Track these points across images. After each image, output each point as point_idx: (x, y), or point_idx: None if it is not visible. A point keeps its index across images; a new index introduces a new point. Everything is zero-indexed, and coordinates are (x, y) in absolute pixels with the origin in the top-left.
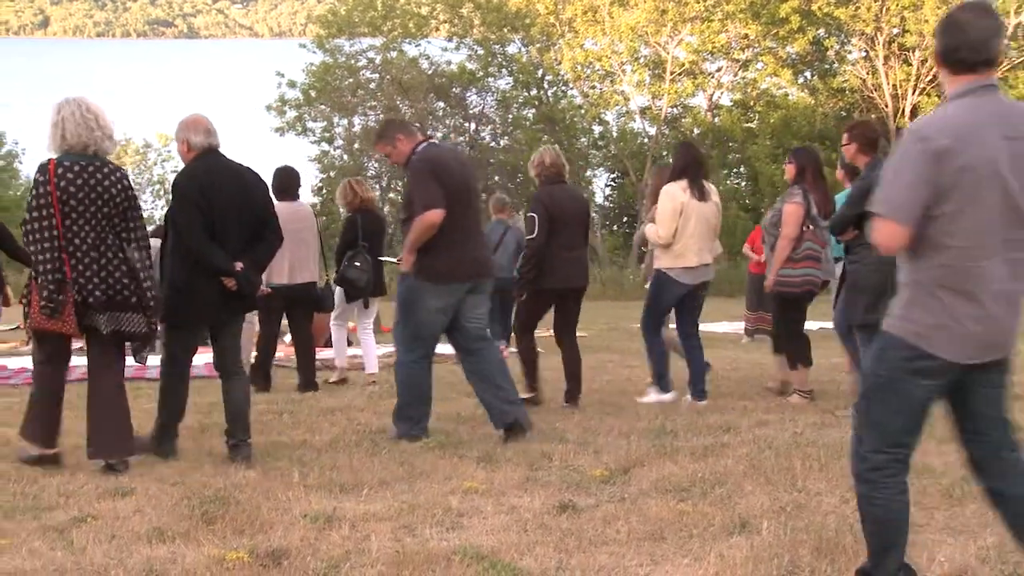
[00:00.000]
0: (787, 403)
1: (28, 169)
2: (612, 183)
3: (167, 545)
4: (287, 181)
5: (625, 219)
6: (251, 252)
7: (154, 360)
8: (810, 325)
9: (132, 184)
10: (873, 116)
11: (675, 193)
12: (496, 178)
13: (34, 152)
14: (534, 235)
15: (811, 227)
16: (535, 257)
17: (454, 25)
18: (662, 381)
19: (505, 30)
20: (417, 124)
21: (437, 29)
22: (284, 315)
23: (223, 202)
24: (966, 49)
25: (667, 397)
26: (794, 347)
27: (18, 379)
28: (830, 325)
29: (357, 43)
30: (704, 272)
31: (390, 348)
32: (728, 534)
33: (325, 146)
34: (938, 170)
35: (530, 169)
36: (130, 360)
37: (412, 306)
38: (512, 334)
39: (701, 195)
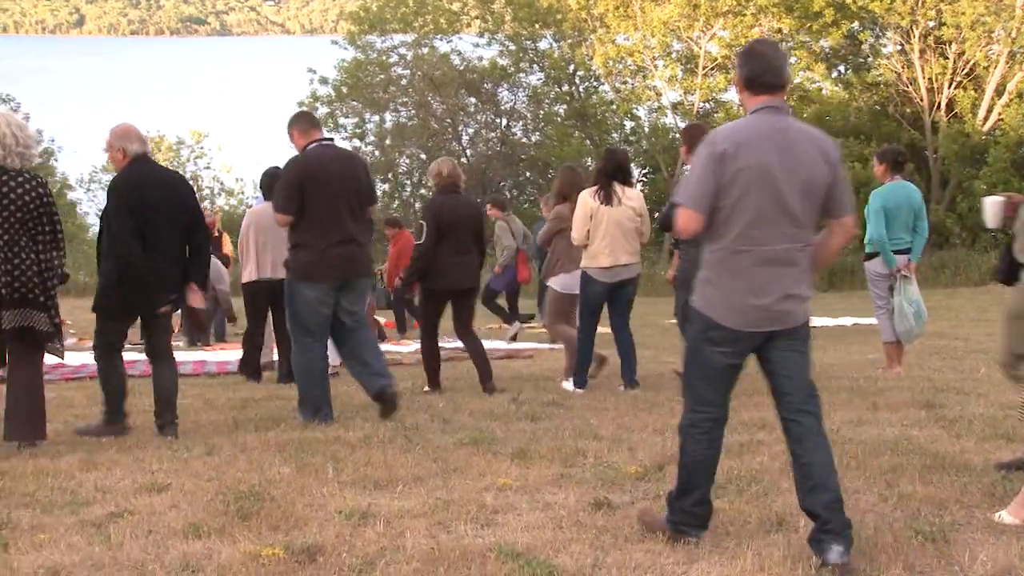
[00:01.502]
0: (823, 400)
1: (63, 167)
2: (644, 179)
3: (203, 541)
4: (271, 181)
5: (656, 214)
6: (188, 261)
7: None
8: (844, 321)
9: (49, 192)
10: (908, 110)
11: (586, 199)
12: (528, 174)
13: (72, 150)
14: (423, 240)
15: None
16: (421, 260)
17: (485, 21)
18: (578, 376)
19: (536, 25)
20: (317, 122)
21: (468, 25)
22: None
23: (155, 206)
24: (769, 75)
25: (577, 391)
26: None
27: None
28: (865, 320)
29: (388, 39)
30: (621, 272)
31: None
32: (765, 532)
33: (356, 142)
34: (721, 169)
35: (429, 178)
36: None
37: (291, 301)
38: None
39: (609, 201)
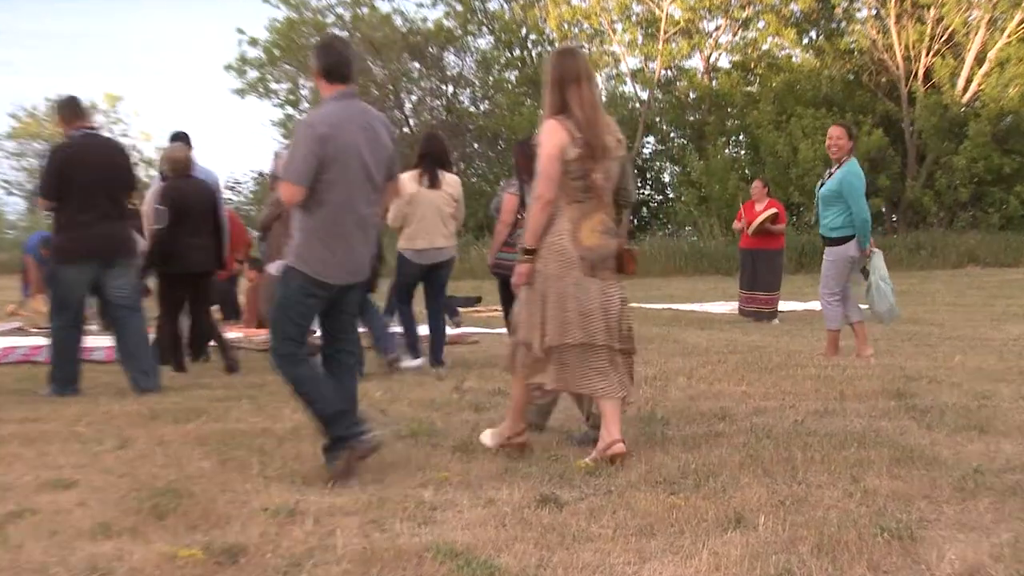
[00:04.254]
0: (788, 389)
1: None
2: None
3: (113, 541)
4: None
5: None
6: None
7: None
8: (812, 305)
9: None
10: (884, 80)
11: (406, 182)
12: (475, 146)
13: None
14: (161, 226)
15: (523, 216)
16: (158, 244)
17: None
18: (412, 349)
19: None
20: (86, 110)
21: None
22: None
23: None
24: (343, 66)
25: (416, 363)
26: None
27: None
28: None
29: None
30: (435, 255)
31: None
32: (722, 529)
33: (290, 110)
34: (322, 149)
35: (160, 164)
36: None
37: (53, 279)
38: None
39: (432, 183)
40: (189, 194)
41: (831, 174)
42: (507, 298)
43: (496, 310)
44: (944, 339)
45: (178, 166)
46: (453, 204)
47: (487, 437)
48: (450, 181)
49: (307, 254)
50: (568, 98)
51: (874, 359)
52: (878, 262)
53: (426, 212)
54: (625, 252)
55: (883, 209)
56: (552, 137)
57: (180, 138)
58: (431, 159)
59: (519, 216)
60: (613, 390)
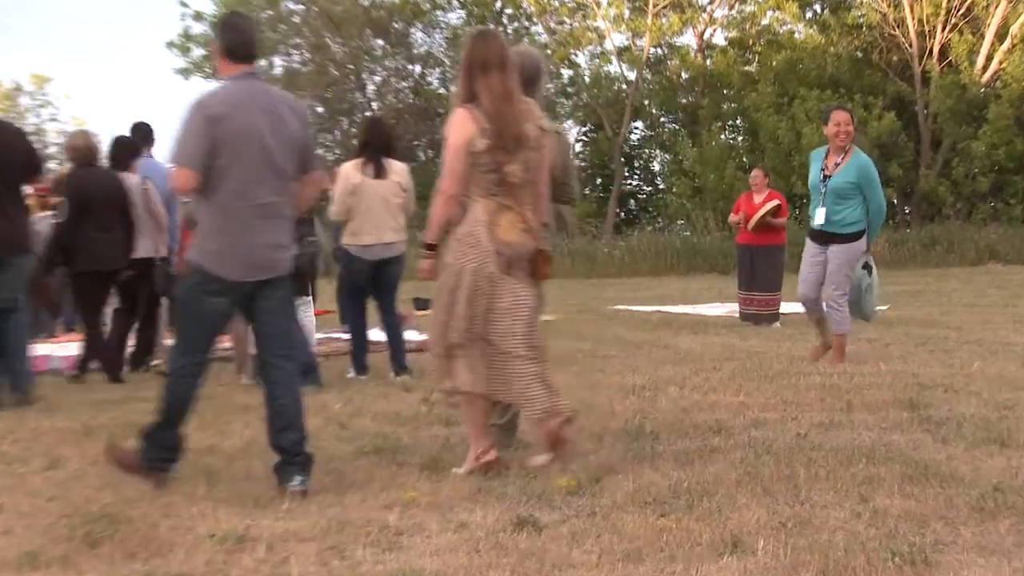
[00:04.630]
0: (790, 400)
1: None
2: (584, 137)
3: (42, 572)
4: (121, 151)
5: (599, 180)
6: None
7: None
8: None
9: None
10: (895, 58)
11: (349, 172)
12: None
13: None
14: (64, 219)
15: None
16: (61, 239)
17: None
18: (356, 362)
19: None
20: None
21: None
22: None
23: None
24: (246, 46)
25: (360, 378)
26: None
27: None
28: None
29: None
30: (384, 250)
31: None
32: (717, 555)
33: None
34: (214, 130)
35: (64, 152)
36: None
37: None
38: None
39: (377, 173)
40: (91, 184)
41: (838, 165)
42: None
43: None
44: (961, 344)
45: (78, 154)
46: (402, 194)
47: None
48: (397, 169)
49: (203, 246)
50: (477, 86)
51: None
52: (870, 258)
53: (372, 204)
54: (539, 254)
55: (895, 200)
56: (458, 128)
57: (141, 129)
58: (375, 147)
59: None
60: (537, 406)
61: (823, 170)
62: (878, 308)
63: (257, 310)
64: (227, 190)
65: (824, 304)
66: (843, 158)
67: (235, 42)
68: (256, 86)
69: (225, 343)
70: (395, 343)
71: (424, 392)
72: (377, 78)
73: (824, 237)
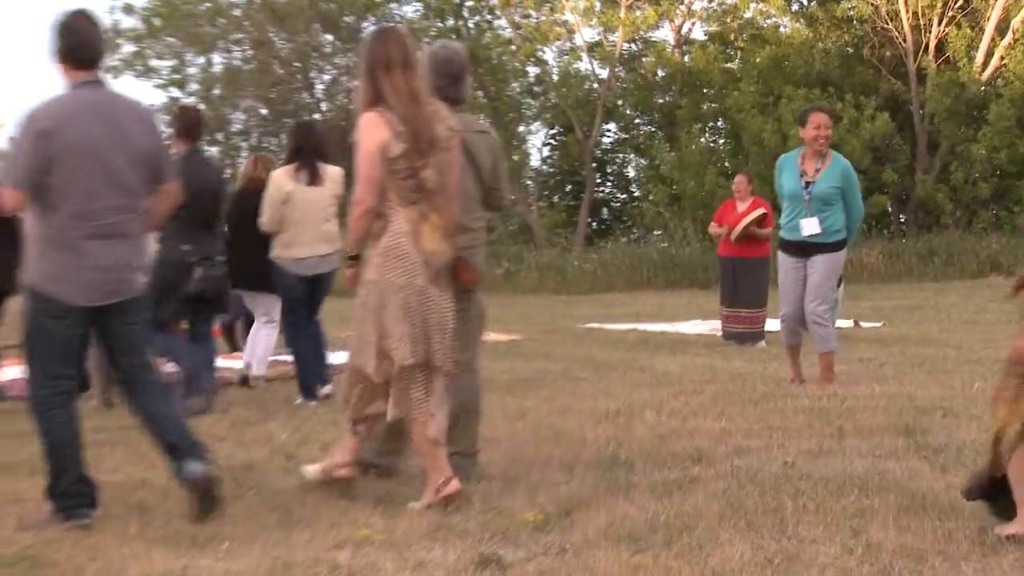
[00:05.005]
0: (776, 425)
1: None
2: (552, 141)
3: None
4: None
5: (569, 188)
6: None
7: None
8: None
9: None
10: (888, 54)
11: (280, 180)
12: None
13: None
14: None
15: None
16: None
17: None
18: (304, 387)
19: None
20: None
21: None
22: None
23: None
24: (83, 49)
25: (311, 403)
26: None
27: None
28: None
29: None
30: (319, 263)
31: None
32: None
33: (176, 92)
34: (43, 146)
35: None
36: None
37: None
38: None
39: (311, 180)
40: None
41: (819, 170)
42: None
43: None
44: (961, 363)
45: None
46: (336, 202)
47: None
48: (332, 176)
49: (39, 269)
50: (382, 88)
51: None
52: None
53: (305, 214)
54: (459, 260)
55: (889, 208)
56: (371, 132)
57: None
58: (308, 152)
59: None
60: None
61: (803, 176)
62: (840, 324)
63: (109, 335)
64: (64, 209)
65: (808, 320)
66: (824, 162)
67: (73, 45)
68: (97, 95)
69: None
70: (316, 362)
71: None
72: (326, 77)
73: (808, 249)
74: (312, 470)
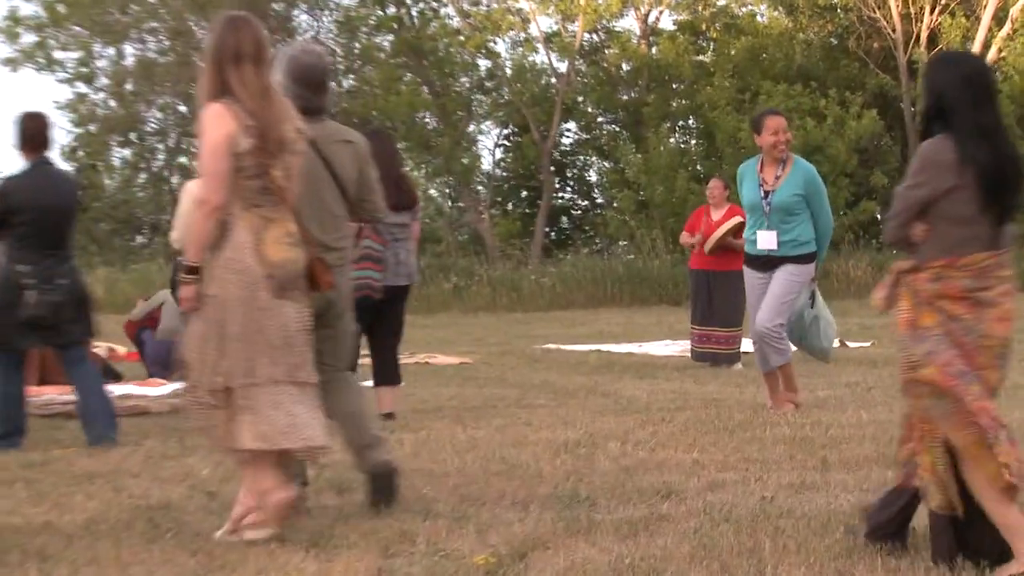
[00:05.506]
0: (753, 457)
1: None
2: (506, 142)
3: None
4: None
5: (525, 194)
6: None
7: None
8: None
9: None
10: (876, 46)
11: (194, 191)
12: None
13: None
14: None
15: (367, 224)
16: None
17: None
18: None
19: None
20: None
21: None
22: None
23: None
24: None
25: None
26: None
27: None
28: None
29: None
30: None
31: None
32: None
33: (82, 87)
34: None
35: None
36: None
37: None
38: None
39: None
40: None
41: (779, 177)
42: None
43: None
44: None
45: None
46: None
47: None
48: None
49: None
50: (229, 79)
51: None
52: (814, 285)
53: None
54: (316, 263)
55: (878, 215)
56: (216, 124)
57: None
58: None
59: (364, 224)
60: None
61: (762, 185)
62: (830, 346)
63: None
64: None
65: (758, 336)
66: (784, 169)
67: None
68: None
69: (67, 396)
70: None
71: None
72: None
73: (774, 262)
74: (220, 535)
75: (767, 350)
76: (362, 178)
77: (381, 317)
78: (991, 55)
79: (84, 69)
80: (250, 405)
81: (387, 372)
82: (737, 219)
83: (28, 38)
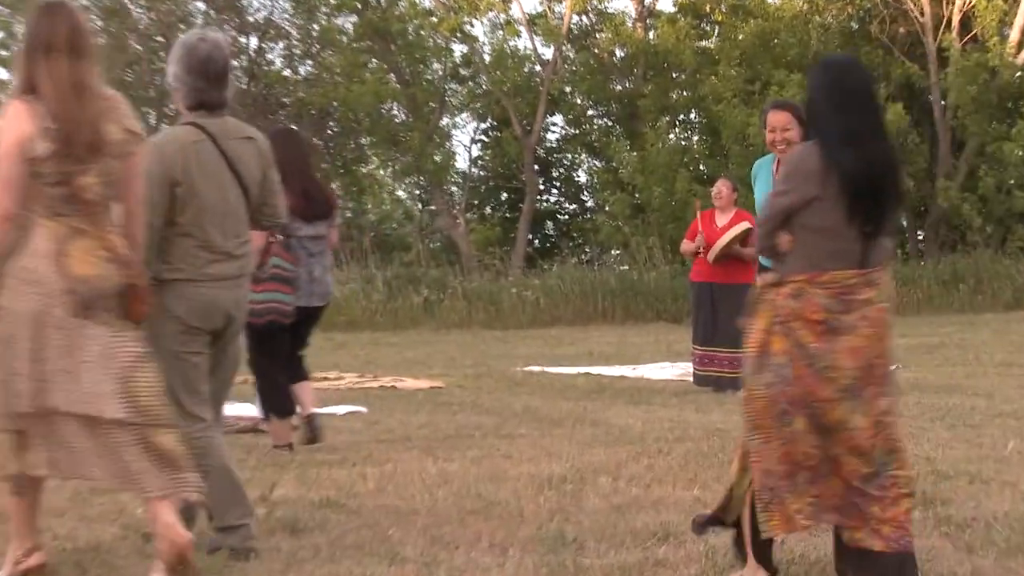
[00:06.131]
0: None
1: None
2: (484, 137)
3: None
4: None
5: (505, 196)
6: None
7: None
8: None
9: None
10: (902, 30)
11: None
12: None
13: None
14: None
15: (280, 237)
16: None
17: None
18: None
19: None
20: None
21: None
22: None
23: None
24: None
25: None
26: (263, 392)
27: None
28: None
29: None
30: None
31: None
32: None
33: (2, 72)
34: None
35: None
36: None
37: None
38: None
39: None
40: None
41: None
42: (262, 357)
43: (339, 377)
44: (993, 416)
45: None
46: None
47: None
48: None
49: None
50: (37, 74)
51: None
52: None
53: None
54: (132, 289)
55: (903, 222)
56: (12, 126)
57: None
58: None
59: (273, 239)
60: (149, 483)
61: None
62: None
63: None
64: None
65: None
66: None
67: None
68: None
69: None
70: None
71: (262, 487)
72: None
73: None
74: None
75: None
76: (265, 179)
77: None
78: None
79: (3, 53)
80: (42, 430)
81: (294, 369)
82: (745, 224)
83: None
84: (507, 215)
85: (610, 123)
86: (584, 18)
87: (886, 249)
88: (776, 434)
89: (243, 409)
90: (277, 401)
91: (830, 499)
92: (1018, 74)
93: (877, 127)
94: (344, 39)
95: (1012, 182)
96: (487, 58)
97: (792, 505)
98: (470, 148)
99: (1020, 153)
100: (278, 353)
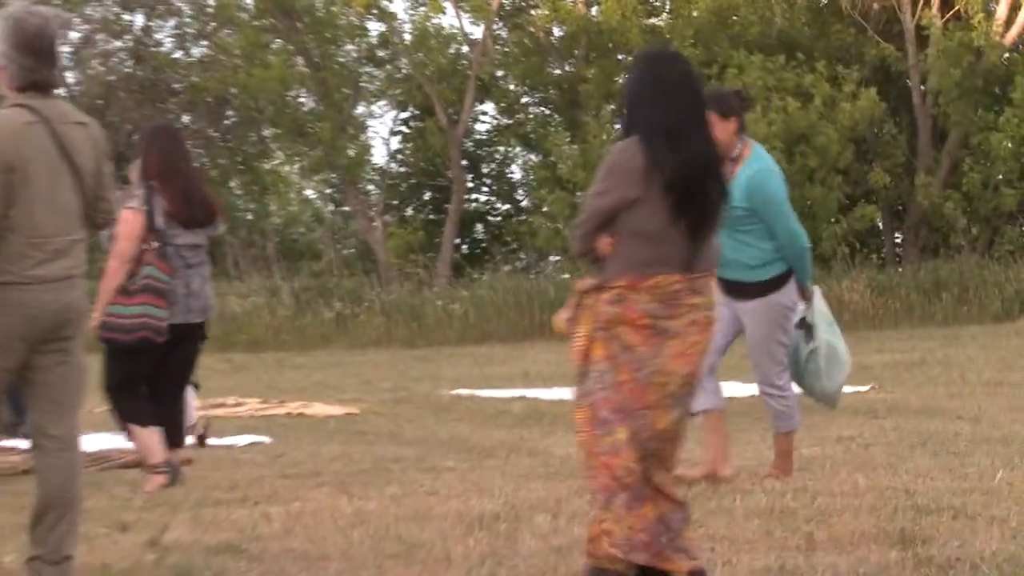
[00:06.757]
0: (720, 533)
1: None
2: (405, 128)
3: None
4: None
5: (429, 195)
6: None
7: None
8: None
9: None
10: (877, 6)
11: None
12: (185, 118)
13: None
14: None
15: (155, 244)
16: None
17: None
18: None
19: None
20: None
21: None
22: None
23: None
24: None
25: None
26: (117, 402)
27: None
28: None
29: None
30: None
31: None
32: None
33: None
34: None
35: None
36: None
37: None
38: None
39: None
40: None
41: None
42: (127, 380)
43: (239, 403)
44: (979, 442)
45: None
46: None
47: None
48: None
49: None
50: None
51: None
52: (820, 306)
53: None
54: None
55: (879, 223)
56: None
57: None
58: None
59: (147, 246)
60: None
61: None
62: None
63: None
64: None
65: (760, 392)
66: (732, 169)
67: None
68: None
69: None
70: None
71: (151, 531)
72: (75, 35)
73: (728, 288)
74: None
75: (771, 407)
76: (99, 171)
77: (164, 362)
78: (1020, 20)
79: None
80: None
81: (169, 431)
82: None
83: None
84: (431, 217)
85: (547, 112)
86: None
87: (716, 251)
88: (598, 443)
89: (123, 442)
90: (133, 407)
91: (640, 533)
92: (1006, 55)
93: (699, 122)
94: (244, 16)
95: (1000, 177)
96: (407, 38)
97: (604, 525)
98: (388, 141)
99: (1008, 145)
100: (137, 375)
